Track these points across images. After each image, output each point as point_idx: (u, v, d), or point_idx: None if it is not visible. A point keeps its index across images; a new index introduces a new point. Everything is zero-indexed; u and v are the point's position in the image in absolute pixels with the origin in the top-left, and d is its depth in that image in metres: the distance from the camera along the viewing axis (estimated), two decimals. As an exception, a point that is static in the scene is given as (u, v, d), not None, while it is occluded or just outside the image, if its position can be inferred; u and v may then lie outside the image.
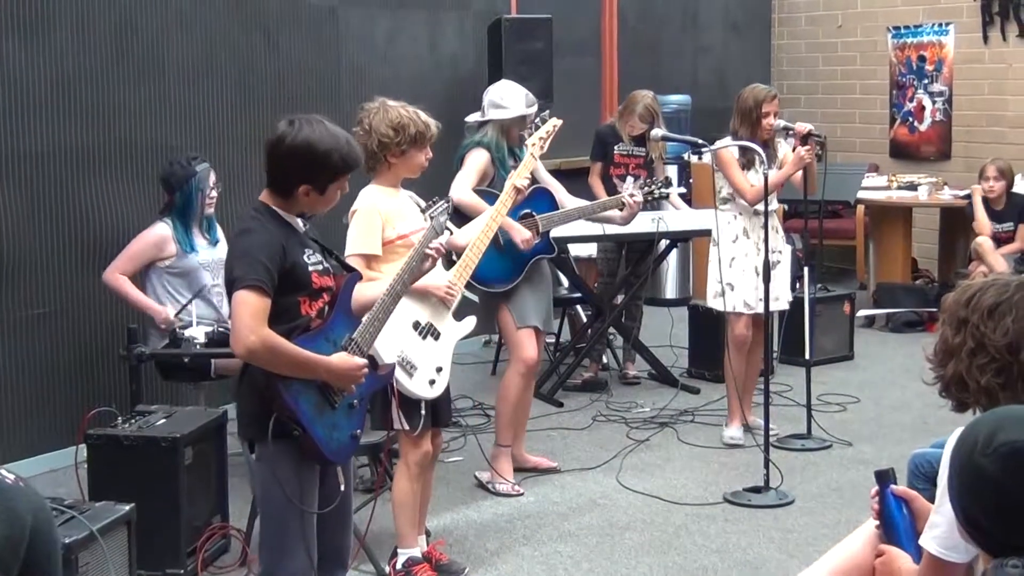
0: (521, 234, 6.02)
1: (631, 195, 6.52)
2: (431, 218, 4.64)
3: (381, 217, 4.89)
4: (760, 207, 6.58)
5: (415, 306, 4.94)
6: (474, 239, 5.37)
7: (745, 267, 6.75)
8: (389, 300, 4.24)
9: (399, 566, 5.12)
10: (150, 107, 7.07)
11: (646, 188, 6.77)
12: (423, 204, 4.85)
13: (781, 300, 6.84)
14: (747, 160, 6.69)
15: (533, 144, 5.76)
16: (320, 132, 3.89)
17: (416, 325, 4.95)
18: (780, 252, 6.80)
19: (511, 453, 6.42)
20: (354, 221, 4.90)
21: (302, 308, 3.83)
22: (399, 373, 4.78)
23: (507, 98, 6.21)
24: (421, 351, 4.94)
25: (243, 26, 7.63)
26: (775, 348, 7.91)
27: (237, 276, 3.72)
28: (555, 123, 5.85)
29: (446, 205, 4.73)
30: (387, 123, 4.92)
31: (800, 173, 6.75)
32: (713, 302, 6.86)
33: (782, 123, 6.72)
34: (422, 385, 4.92)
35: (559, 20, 9.23)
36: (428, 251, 4.51)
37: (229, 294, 3.80)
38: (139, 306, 6.32)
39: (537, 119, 6.03)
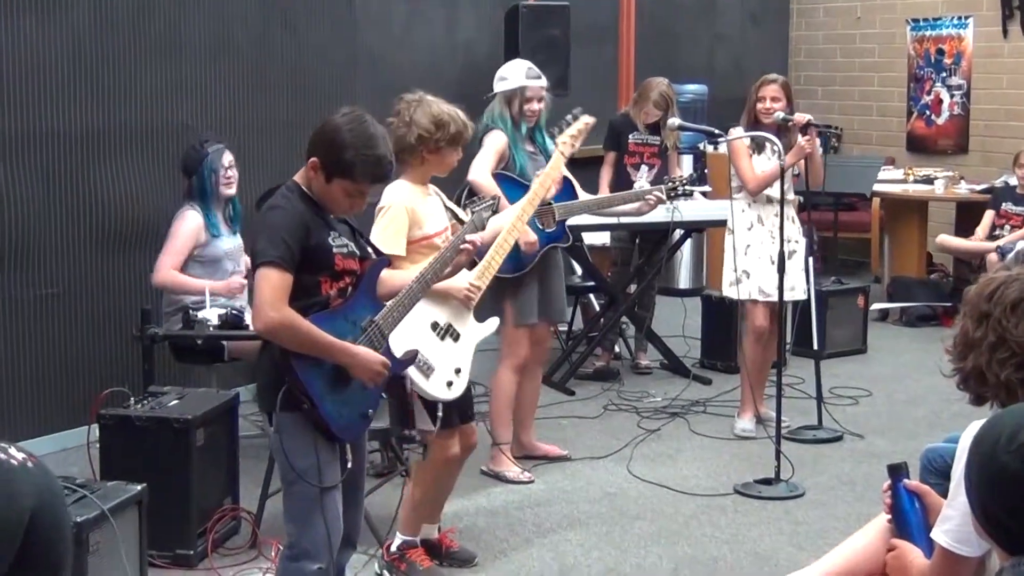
0: (526, 237, 5.96)
1: (655, 195, 6.52)
2: (472, 212, 4.62)
3: (409, 216, 4.80)
4: (774, 195, 6.57)
5: (434, 307, 4.87)
6: (499, 240, 5.23)
7: (761, 255, 6.76)
8: (417, 288, 4.23)
9: (394, 548, 5.11)
10: (167, 88, 7.06)
11: (669, 185, 6.73)
12: (450, 203, 4.85)
13: (797, 290, 6.81)
14: (756, 145, 6.70)
15: (563, 143, 5.65)
16: (358, 127, 3.86)
17: (434, 326, 4.88)
18: (796, 242, 6.78)
19: (522, 441, 6.43)
20: (381, 218, 4.79)
21: (322, 288, 3.85)
22: (416, 374, 4.71)
23: (508, 71, 6.22)
24: (439, 352, 4.85)
25: (261, 9, 7.62)
26: (788, 340, 7.90)
27: (259, 250, 3.76)
28: (587, 120, 5.73)
29: (491, 203, 4.71)
30: (429, 117, 4.84)
31: (803, 164, 6.72)
32: (728, 290, 6.85)
33: (781, 115, 6.68)
34: (439, 387, 4.82)
35: (576, 7, 9.20)
36: (465, 245, 4.49)
37: (254, 268, 3.83)
38: (201, 290, 6.27)
39: (568, 116, 5.96)
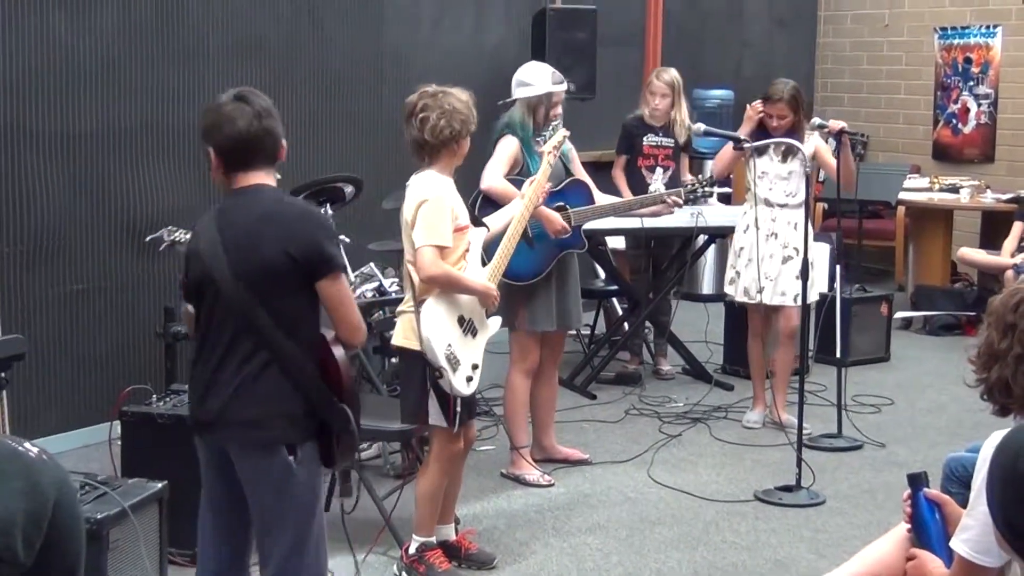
0: (553, 225, 5.98)
1: (673, 198, 6.54)
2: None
3: (450, 207, 4.84)
4: (773, 199, 6.83)
5: (459, 302, 4.92)
6: (502, 245, 5.22)
7: (751, 257, 6.89)
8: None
9: (412, 550, 5.11)
10: (194, 88, 7.08)
11: (688, 187, 6.75)
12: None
13: (787, 296, 6.82)
14: (757, 149, 6.79)
15: (549, 152, 5.61)
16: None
17: (461, 320, 4.92)
18: (795, 248, 6.77)
19: (542, 444, 6.43)
20: (427, 210, 4.76)
21: None
22: (447, 368, 4.78)
23: (532, 76, 6.12)
24: (464, 347, 4.90)
25: (290, 7, 7.64)
26: (810, 347, 7.87)
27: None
28: (563, 134, 5.72)
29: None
30: (463, 104, 4.87)
31: (833, 169, 6.78)
32: (728, 288, 7.15)
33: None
34: (462, 382, 4.86)
35: (604, 11, 9.21)
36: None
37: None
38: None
39: (549, 128, 5.94)
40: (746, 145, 6.65)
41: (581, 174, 6.34)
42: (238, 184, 3.77)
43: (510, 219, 5.31)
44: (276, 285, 3.68)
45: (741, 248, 7.00)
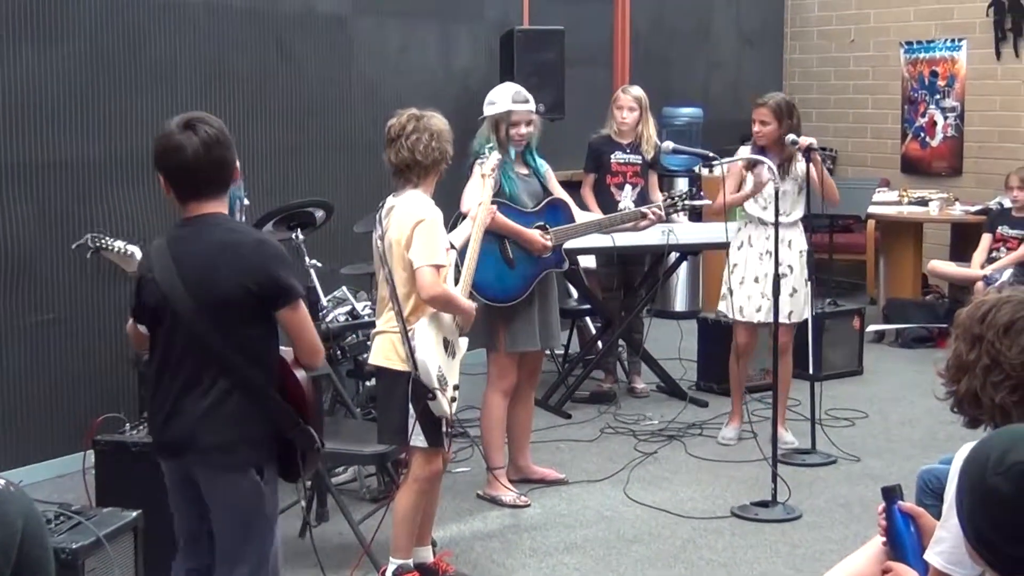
0: (534, 245, 6.02)
1: (653, 212, 6.56)
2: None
3: (442, 227, 4.94)
4: (767, 218, 6.72)
5: (443, 324, 4.95)
6: (466, 265, 5.24)
7: (745, 275, 6.91)
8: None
9: (389, 574, 5.10)
10: (161, 118, 6.95)
11: (668, 201, 6.76)
12: None
13: (782, 313, 6.80)
14: (749, 166, 6.78)
15: (484, 175, 5.63)
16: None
17: (446, 343, 4.96)
18: (789, 266, 6.80)
19: (518, 464, 6.43)
20: (424, 231, 4.81)
21: None
22: (439, 388, 4.83)
23: (496, 94, 6.18)
24: (449, 369, 4.95)
25: (256, 34, 7.64)
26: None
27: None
28: (496, 157, 5.75)
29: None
30: (448, 129, 4.99)
31: (817, 184, 6.75)
32: (721, 304, 7.12)
33: (791, 136, 6.73)
34: (446, 403, 4.90)
35: (571, 32, 9.23)
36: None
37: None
38: None
39: (484, 150, 5.96)
40: (715, 163, 6.66)
41: (559, 193, 6.36)
42: (190, 213, 3.81)
43: (468, 237, 5.38)
44: (236, 316, 3.73)
45: (735, 265, 6.98)
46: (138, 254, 4.41)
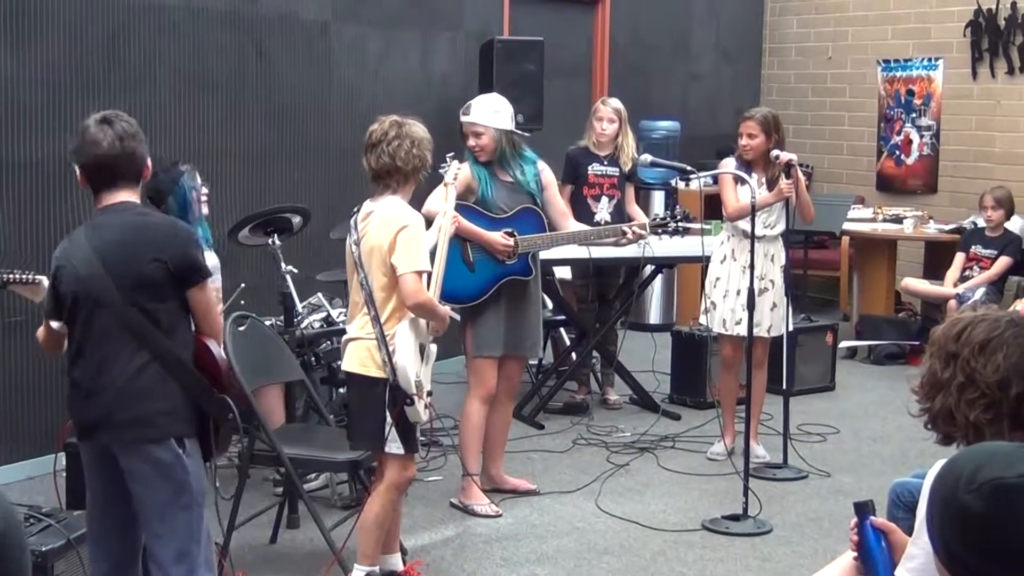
0: (494, 247, 6.05)
1: (635, 230, 6.57)
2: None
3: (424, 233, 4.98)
4: (749, 229, 6.64)
5: (419, 329, 4.95)
6: (435, 272, 5.18)
7: (728, 289, 6.89)
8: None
9: None
10: (140, 118, 6.97)
11: (657, 221, 6.75)
12: None
13: (762, 327, 6.83)
14: (740, 178, 6.75)
15: (447, 184, 5.65)
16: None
17: (421, 348, 4.97)
18: (771, 281, 6.82)
19: (490, 474, 6.42)
20: (408, 236, 4.83)
21: None
22: (416, 394, 4.84)
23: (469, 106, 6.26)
24: (424, 375, 4.98)
25: (235, 38, 7.63)
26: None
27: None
28: (456, 165, 5.79)
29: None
30: (428, 137, 5.02)
31: (794, 199, 6.76)
32: (703, 317, 7.10)
33: (776, 152, 6.74)
34: (422, 409, 4.92)
35: (551, 43, 9.25)
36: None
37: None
38: None
39: (448, 157, 5.97)
40: (692, 176, 6.67)
41: (557, 201, 6.39)
42: (104, 202, 4.03)
43: (434, 244, 5.38)
44: (153, 292, 3.93)
45: (717, 279, 6.96)
46: (45, 282, 4.31)
